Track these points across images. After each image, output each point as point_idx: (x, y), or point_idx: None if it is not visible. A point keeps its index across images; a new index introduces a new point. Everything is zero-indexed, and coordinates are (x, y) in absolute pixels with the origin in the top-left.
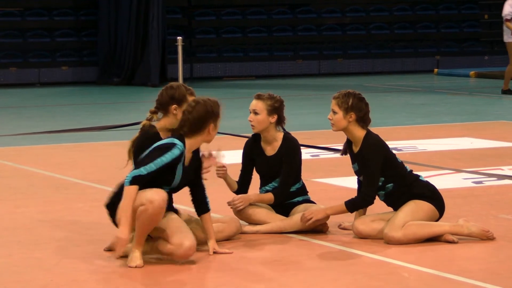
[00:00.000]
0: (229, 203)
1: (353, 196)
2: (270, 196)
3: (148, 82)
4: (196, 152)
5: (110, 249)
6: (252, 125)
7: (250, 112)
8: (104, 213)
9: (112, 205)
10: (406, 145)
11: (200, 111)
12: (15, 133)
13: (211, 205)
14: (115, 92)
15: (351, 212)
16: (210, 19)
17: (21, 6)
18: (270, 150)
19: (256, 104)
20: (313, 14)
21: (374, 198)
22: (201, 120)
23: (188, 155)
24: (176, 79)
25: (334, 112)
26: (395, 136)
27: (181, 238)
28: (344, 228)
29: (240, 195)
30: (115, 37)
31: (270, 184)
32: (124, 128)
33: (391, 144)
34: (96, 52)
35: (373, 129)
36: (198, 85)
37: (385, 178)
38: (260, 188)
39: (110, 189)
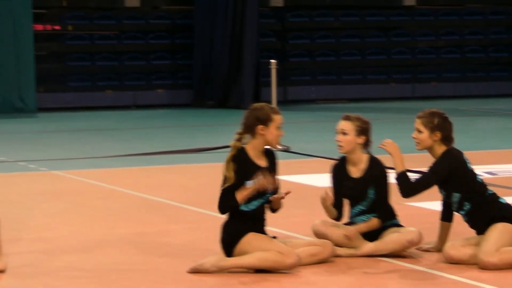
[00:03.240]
0: (346, 238)
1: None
2: (375, 221)
3: (242, 105)
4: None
5: (195, 271)
6: (340, 146)
7: (337, 133)
8: (197, 235)
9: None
10: (501, 170)
11: (249, 116)
12: (110, 155)
13: (305, 229)
14: (209, 115)
15: None
16: (303, 42)
17: (117, 30)
18: (356, 172)
19: (344, 124)
20: (406, 37)
21: (412, 194)
22: (250, 123)
23: (256, 160)
24: (270, 102)
25: (419, 131)
26: (489, 160)
27: (287, 249)
28: (425, 250)
29: (352, 232)
30: (209, 60)
31: (357, 207)
32: (218, 151)
33: (485, 168)
34: (190, 75)
35: (467, 152)
36: (291, 108)
37: (462, 194)
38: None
39: (204, 211)
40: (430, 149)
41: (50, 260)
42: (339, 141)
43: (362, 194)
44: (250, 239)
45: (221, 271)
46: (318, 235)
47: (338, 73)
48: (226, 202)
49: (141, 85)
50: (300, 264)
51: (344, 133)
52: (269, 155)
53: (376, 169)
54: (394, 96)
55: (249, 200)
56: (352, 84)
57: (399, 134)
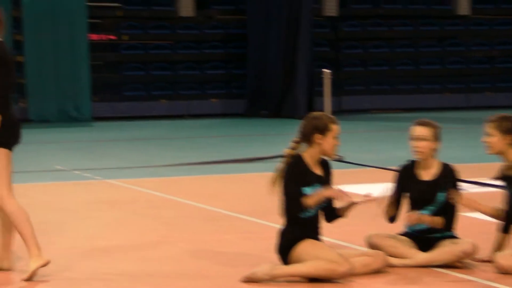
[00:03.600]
0: (408, 216)
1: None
2: (439, 220)
3: (295, 115)
4: (325, 165)
5: (248, 280)
6: (419, 151)
7: (414, 139)
8: (251, 244)
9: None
10: None
11: (307, 124)
12: (164, 164)
13: (358, 238)
14: (263, 124)
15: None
16: (357, 52)
17: (172, 39)
18: (426, 175)
19: (422, 130)
20: (461, 47)
21: None
22: (307, 132)
23: (314, 170)
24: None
25: (490, 135)
26: None
27: (340, 257)
28: (480, 261)
29: (414, 214)
30: (263, 69)
31: (423, 211)
32: (272, 160)
33: None
34: (244, 85)
35: None
36: (344, 117)
37: None
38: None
39: (257, 221)
40: (502, 153)
41: (104, 268)
42: (418, 147)
43: (431, 197)
44: (306, 246)
45: (273, 279)
46: (372, 246)
47: (392, 83)
48: (295, 207)
49: (195, 95)
50: (353, 274)
51: (422, 139)
52: (325, 165)
53: (451, 175)
54: (448, 106)
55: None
56: (406, 94)
57: (453, 144)
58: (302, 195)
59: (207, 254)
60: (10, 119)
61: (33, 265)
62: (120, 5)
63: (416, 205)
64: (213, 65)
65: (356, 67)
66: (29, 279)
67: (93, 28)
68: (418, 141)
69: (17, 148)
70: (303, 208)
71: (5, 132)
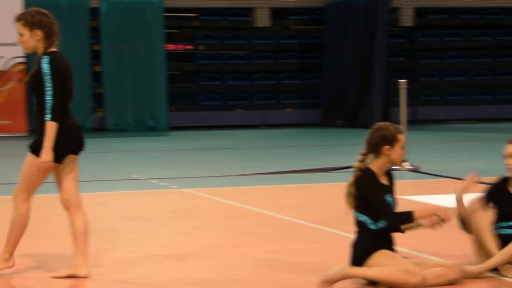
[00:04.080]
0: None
1: None
2: None
3: (371, 125)
4: (389, 175)
5: (323, 283)
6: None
7: (507, 157)
8: (325, 254)
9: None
10: None
11: (374, 135)
12: (240, 174)
13: (433, 249)
14: (338, 134)
15: None
16: (433, 62)
17: (248, 49)
18: None
19: None
20: None
21: None
22: (375, 143)
23: (381, 180)
24: (399, 122)
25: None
26: None
27: (414, 268)
28: None
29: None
30: (339, 79)
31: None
32: (347, 170)
33: None
34: (320, 95)
35: None
36: (420, 128)
37: None
38: (497, 224)
39: (332, 231)
40: None
41: (181, 277)
42: (510, 164)
43: None
44: (380, 255)
45: (345, 278)
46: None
47: (468, 93)
48: (400, 218)
49: (271, 104)
50: (425, 285)
51: None
52: (389, 175)
53: None
54: None
55: (377, 218)
56: (483, 104)
57: None
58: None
59: (281, 263)
60: (65, 128)
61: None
62: (197, 15)
63: (501, 218)
64: (288, 75)
65: (432, 77)
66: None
67: (170, 38)
68: (511, 158)
69: (94, 157)
70: (410, 219)
71: (60, 140)
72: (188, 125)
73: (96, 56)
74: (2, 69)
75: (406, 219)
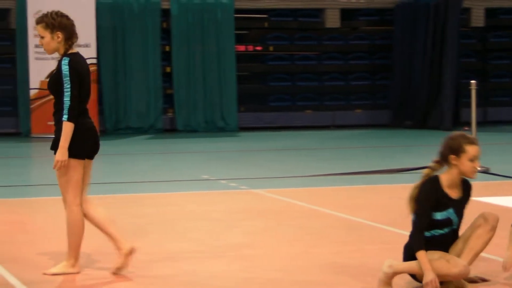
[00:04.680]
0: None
1: None
2: None
3: (441, 126)
4: (466, 186)
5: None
6: None
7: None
8: (392, 255)
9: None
10: None
11: (443, 144)
12: (310, 175)
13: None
14: (407, 135)
15: None
16: (504, 62)
17: (318, 50)
18: None
19: None
20: None
21: None
22: (443, 152)
23: (449, 192)
24: (469, 123)
25: None
26: None
27: (456, 259)
28: None
29: None
30: (408, 80)
31: None
32: (416, 171)
33: None
34: (389, 95)
35: None
36: (491, 129)
37: None
38: None
39: (401, 232)
40: None
41: (250, 277)
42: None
43: None
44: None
45: (394, 275)
46: None
47: None
48: (417, 242)
49: (340, 105)
50: (468, 275)
51: None
52: (465, 186)
53: None
54: None
55: (432, 227)
56: None
57: None
58: (431, 219)
59: (350, 264)
60: (83, 129)
61: (64, 268)
62: (266, 16)
63: None
64: (358, 76)
65: (503, 78)
66: (47, 274)
67: (240, 39)
68: None
69: (164, 157)
70: (421, 234)
71: (77, 142)
72: (258, 126)
73: (167, 57)
74: None
75: (415, 248)
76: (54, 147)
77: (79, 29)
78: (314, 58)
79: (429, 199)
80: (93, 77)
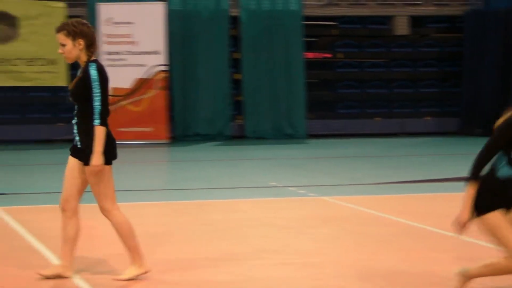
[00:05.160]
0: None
1: None
2: None
3: None
4: None
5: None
6: None
7: None
8: (461, 264)
9: None
10: None
11: None
12: (378, 182)
13: None
14: (477, 143)
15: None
16: None
17: (387, 57)
18: None
19: None
20: None
21: None
22: None
23: None
24: None
25: None
26: None
27: None
28: None
29: None
30: (478, 88)
31: None
32: None
33: None
34: (458, 103)
35: None
36: None
37: None
38: None
39: (470, 240)
40: None
41: (317, 284)
42: None
43: None
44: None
45: (468, 280)
46: None
47: None
48: (475, 167)
49: (409, 113)
50: None
51: None
52: None
53: None
54: None
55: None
56: None
57: None
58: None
59: (417, 272)
60: (109, 135)
61: (133, 271)
62: (335, 23)
63: None
64: (427, 83)
65: None
66: (121, 279)
67: (309, 46)
68: None
69: (233, 164)
70: (484, 159)
71: (107, 148)
72: (326, 133)
73: (235, 64)
74: (144, 77)
75: (470, 173)
76: (80, 156)
77: (147, 36)
78: (383, 65)
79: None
80: (162, 84)
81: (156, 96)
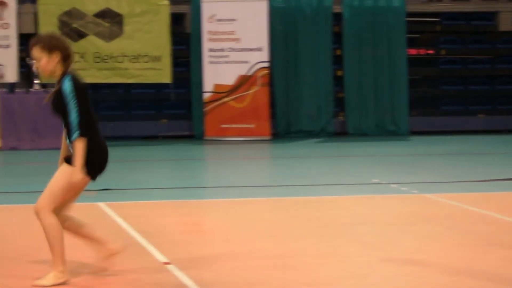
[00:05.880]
0: None
1: None
2: None
3: None
4: None
5: None
6: None
7: None
8: None
9: None
10: None
11: None
12: (482, 179)
13: None
14: None
15: None
16: None
17: (491, 54)
18: None
19: None
20: None
21: None
22: None
23: None
24: None
25: None
26: None
27: None
28: None
29: None
30: None
31: None
32: None
33: None
34: None
35: None
36: None
37: None
38: None
39: None
40: None
41: (420, 282)
42: None
43: None
44: None
45: None
46: None
47: None
48: None
49: None
50: None
51: None
52: None
53: None
54: None
55: None
56: None
57: None
58: None
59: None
60: (97, 145)
61: (51, 279)
62: (439, 19)
63: None
64: None
65: None
66: (37, 286)
67: (412, 43)
68: None
69: (336, 161)
70: None
71: (91, 161)
72: (429, 130)
73: (338, 61)
74: (247, 73)
75: None
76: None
77: (251, 33)
78: (487, 62)
79: None
80: (265, 80)
81: (258, 93)
